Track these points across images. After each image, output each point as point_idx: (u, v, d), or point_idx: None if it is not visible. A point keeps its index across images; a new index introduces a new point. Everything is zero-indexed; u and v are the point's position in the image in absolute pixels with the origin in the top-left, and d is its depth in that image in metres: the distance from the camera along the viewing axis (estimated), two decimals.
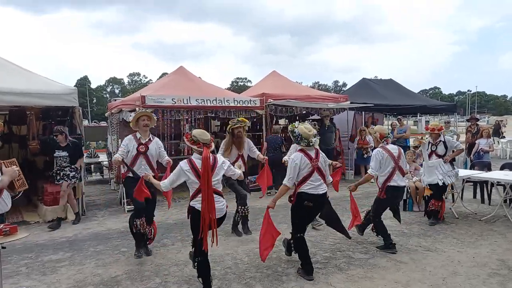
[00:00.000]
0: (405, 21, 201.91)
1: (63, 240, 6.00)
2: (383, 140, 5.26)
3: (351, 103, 11.37)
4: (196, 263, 3.96)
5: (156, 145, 5.16)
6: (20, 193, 3.47)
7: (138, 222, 4.94)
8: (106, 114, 11.28)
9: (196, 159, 3.80)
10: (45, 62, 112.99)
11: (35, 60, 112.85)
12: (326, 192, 4.40)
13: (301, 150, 4.33)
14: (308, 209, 4.34)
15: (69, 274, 4.62)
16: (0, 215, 3.29)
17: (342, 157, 11.35)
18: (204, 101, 8.89)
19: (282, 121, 12.88)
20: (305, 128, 4.31)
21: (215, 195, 3.75)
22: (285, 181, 4.29)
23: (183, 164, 3.80)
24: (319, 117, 11.23)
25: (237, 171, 4.17)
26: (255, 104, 9.64)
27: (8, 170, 3.26)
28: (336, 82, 72.55)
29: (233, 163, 5.75)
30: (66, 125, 7.43)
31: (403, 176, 5.21)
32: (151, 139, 5.11)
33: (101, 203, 8.86)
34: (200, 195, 3.71)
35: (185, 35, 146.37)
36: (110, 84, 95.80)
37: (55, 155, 6.74)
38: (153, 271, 4.61)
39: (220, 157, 4.01)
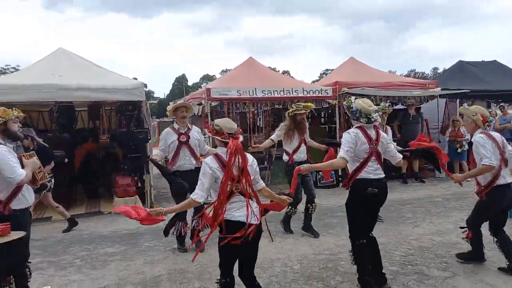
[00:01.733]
0: None
1: (124, 233, 6.08)
2: (485, 125, 4.04)
3: (443, 89, 9.94)
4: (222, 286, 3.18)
5: (197, 133, 5.03)
6: (47, 186, 3.40)
7: (180, 224, 4.81)
8: None
9: (223, 153, 3.03)
10: (149, 61, 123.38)
11: (140, 60, 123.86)
12: (384, 177, 3.66)
13: (360, 128, 3.61)
14: (371, 198, 3.57)
15: (116, 269, 4.57)
16: (23, 210, 3.21)
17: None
18: (271, 92, 8.48)
19: None
20: (363, 102, 3.62)
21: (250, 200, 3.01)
22: (341, 153, 3.52)
23: (210, 161, 3.01)
24: (404, 107, 10.02)
25: (262, 182, 3.26)
26: (327, 93, 8.92)
27: (29, 162, 3.19)
28: (435, 69, 65.59)
29: (296, 149, 5.47)
30: (134, 119, 7.59)
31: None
32: (190, 127, 4.98)
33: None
34: (234, 199, 2.96)
35: (274, 29, 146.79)
36: (204, 81, 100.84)
37: None
38: (196, 273, 4.32)
39: (250, 156, 3.18)
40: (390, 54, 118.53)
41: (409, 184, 8.96)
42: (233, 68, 10.11)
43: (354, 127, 3.68)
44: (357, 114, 3.61)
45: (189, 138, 4.88)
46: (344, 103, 3.88)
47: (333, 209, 6.96)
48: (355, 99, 3.75)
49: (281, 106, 8.72)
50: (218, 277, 3.19)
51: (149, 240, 5.60)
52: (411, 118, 9.24)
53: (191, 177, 4.57)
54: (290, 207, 5.45)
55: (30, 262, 3.61)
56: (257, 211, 3.08)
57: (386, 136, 3.79)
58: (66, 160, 7.47)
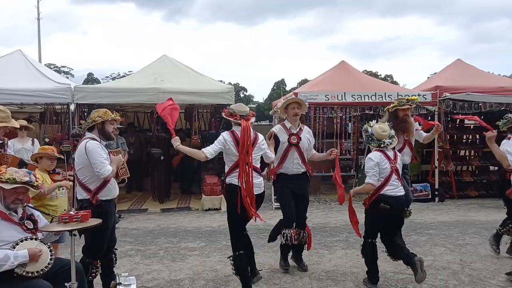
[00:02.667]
0: None
1: (207, 230, 6.39)
2: None
3: None
4: (233, 259, 3.82)
5: (309, 135, 4.53)
6: (125, 181, 3.72)
7: (288, 233, 4.26)
8: (271, 112, 11.69)
9: (238, 131, 3.69)
10: (252, 67, 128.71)
11: (243, 65, 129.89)
12: (404, 195, 4.02)
13: (379, 150, 3.98)
14: (385, 213, 3.87)
15: (193, 264, 4.81)
16: (108, 201, 3.55)
17: None
18: (361, 97, 8.11)
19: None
20: (379, 128, 3.97)
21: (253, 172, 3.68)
22: (368, 180, 3.90)
23: (226, 135, 3.73)
24: None
25: (272, 155, 4.04)
26: (425, 99, 8.21)
27: (114, 158, 3.52)
28: None
29: (399, 151, 4.44)
30: (222, 122, 7.92)
31: None
32: (302, 128, 4.44)
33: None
34: (237, 170, 3.65)
35: (381, 31, 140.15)
36: (302, 85, 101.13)
37: None
38: (266, 277, 4.31)
39: (261, 135, 3.90)
40: None
41: None
42: (324, 72, 9.93)
43: (373, 150, 4.02)
44: (369, 139, 4.01)
45: (300, 140, 4.35)
46: (364, 126, 4.16)
47: (424, 225, 6.37)
48: (375, 123, 4.08)
49: (372, 112, 8.29)
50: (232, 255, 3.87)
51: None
52: None
53: (296, 181, 4.36)
54: None
55: (116, 249, 3.98)
56: (258, 183, 3.78)
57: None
58: (162, 157, 8.16)
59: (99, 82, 51.46)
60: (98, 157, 3.35)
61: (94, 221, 2.81)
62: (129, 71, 54.91)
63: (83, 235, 3.42)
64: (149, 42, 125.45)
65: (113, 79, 51.14)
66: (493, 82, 9.00)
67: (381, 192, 3.87)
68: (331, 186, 9.75)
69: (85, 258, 3.51)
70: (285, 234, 4.26)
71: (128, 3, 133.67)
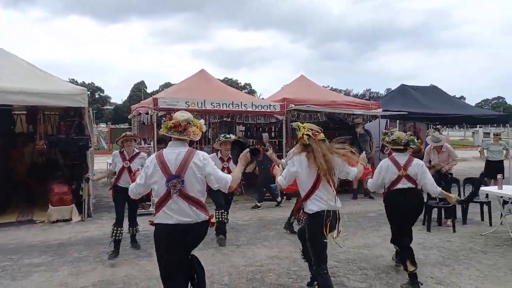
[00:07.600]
0: (476, 27, 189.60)
1: (55, 243, 5.85)
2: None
3: (384, 110, 10.49)
4: None
5: None
6: None
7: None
8: (129, 116, 11.32)
9: None
10: (110, 66, 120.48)
11: (101, 64, 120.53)
12: None
13: None
14: None
15: (38, 280, 4.40)
16: None
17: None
18: (220, 105, 8.56)
19: None
20: None
21: None
22: None
23: None
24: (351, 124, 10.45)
25: None
26: (275, 109, 9.15)
27: None
28: (388, 89, 69.13)
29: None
30: (74, 126, 7.39)
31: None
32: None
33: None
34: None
35: (243, 43, 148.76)
36: (164, 89, 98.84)
37: None
38: (121, 285, 4.25)
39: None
40: (352, 72, 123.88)
41: (358, 199, 9.26)
42: (184, 79, 10.14)
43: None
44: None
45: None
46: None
47: (274, 221, 7.11)
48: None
49: (229, 119, 8.84)
50: None
51: (79, 251, 5.43)
52: (358, 136, 9.59)
53: None
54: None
55: None
56: None
57: None
58: None
59: None
60: None
61: None
62: None
63: None
64: None
65: None
66: (328, 96, 10.61)
67: None
68: None
69: None
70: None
71: None
